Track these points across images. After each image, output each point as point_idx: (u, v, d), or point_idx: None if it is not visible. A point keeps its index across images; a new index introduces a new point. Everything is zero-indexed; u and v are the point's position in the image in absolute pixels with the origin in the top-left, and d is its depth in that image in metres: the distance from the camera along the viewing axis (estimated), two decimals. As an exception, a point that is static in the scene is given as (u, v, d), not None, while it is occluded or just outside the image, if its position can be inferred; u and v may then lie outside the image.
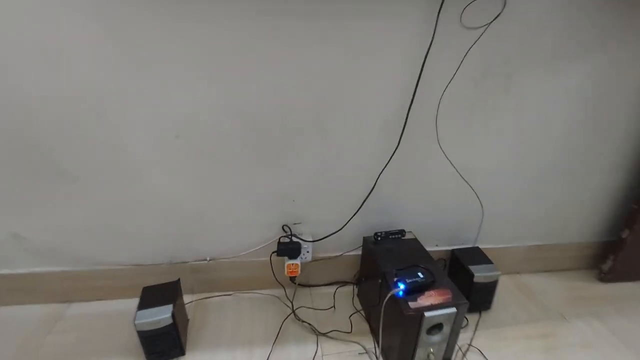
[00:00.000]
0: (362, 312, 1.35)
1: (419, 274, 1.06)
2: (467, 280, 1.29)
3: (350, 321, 1.30)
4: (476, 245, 1.48)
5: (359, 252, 1.40)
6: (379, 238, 1.28)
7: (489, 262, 1.34)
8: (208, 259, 1.32)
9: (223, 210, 1.25)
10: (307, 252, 1.35)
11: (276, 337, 1.21)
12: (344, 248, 1.42)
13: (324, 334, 1.24)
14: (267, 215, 1.29)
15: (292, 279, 1.35)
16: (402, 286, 1.01)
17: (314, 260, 1.40)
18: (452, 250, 1.43)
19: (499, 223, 1.46)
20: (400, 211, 1.37)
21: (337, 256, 1.42)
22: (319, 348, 1.19)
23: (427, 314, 0.96)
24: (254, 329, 1.25)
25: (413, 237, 1.32)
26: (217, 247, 1.32)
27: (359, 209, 1.30)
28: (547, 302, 1.42)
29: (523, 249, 1.54)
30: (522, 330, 1.28)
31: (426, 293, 1.02)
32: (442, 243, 1.47)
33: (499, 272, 1.29)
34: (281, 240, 1.30)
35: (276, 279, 1.35)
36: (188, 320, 1.24)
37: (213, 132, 1.09)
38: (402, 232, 1.31)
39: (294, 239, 1.30)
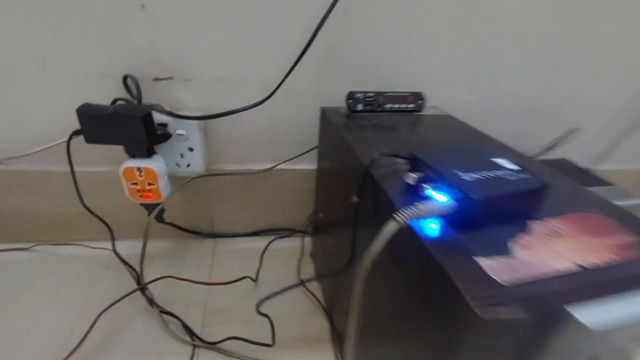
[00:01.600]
0: (322, 300, 0.59)
1: (497, 161, 0.30)
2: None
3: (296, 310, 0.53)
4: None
5: (315, 163, 0.63)
6: (359, 105, 0.50)
7: (604, 182, 0.59)
8: None
9: None
10: (191, 149, 0.57)
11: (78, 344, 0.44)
12: (283, 152, 0.64)
13: (211, 344, 0.48)
14: (81, 51, 0.50)
15: (150, 208, 0.56)
16: (443, 199, 0.26)
17: (214, 174, 0.63)
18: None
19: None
20: (411, 65, 0.59)
21: (267, 169, 0.65)
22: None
23: (578, 312, 0.20)
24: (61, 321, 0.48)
25: (443, 113, 0.55)
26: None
27: (308, 45, 0.51)
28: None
29: None
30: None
31: (538, 228, 0.26)
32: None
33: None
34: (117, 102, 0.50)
35: (91, 211, 0.56)
36: None
37: None
38: (417, 95, 0.53)
39: (151, 110, 0.50)
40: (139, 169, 0.51)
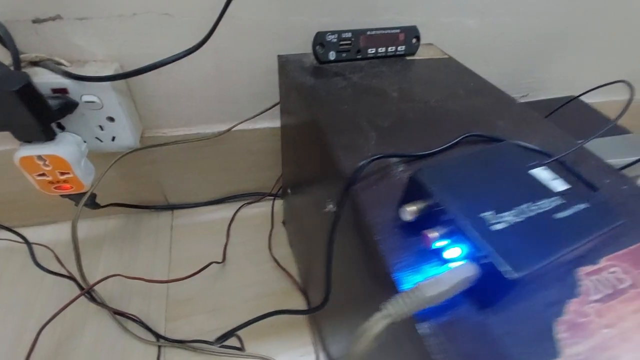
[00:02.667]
0: (297, 275, 0.53)
1: (537, 177, 0.19)
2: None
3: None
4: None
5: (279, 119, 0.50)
6: (330, 52, 0.36)
7: (621, 130, 0.51)
8: None
9: None
10: (111, 119, 0.43)
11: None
12: (238, 109, 0.51)
13: (176, 342, 0.43)
14: None
15: (75, 198, 0.44)
16: (459, 265, 0.16)
17: (152, 145, 0.50)
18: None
19: None
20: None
21: (221, 133, 0.52)
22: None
23: None
24: None
25: (441, 55, 0.42)
26: None
27: None
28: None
29: None
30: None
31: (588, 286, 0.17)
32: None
33: None
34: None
35: None
36: None
37: None
38: (408, 36, 0.39)
39: (49, 76, 0.35)
40: (40, 157, 0.38)
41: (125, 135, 0.45)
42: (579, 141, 0.27)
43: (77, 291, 0.44)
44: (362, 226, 0.21)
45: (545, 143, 0.28)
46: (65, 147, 0.39)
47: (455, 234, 0.17)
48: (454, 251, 0.18)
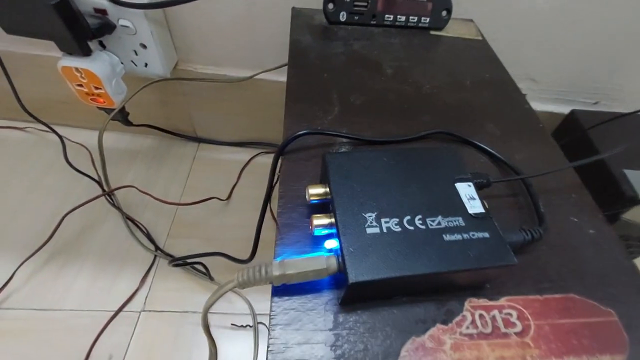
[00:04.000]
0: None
1: (459, 190, 0.17)
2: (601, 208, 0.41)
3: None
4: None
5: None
6: (342, 12, 0.34)
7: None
8: None
9: None
10: (143, 46, 0.46)
11: (49, 238, 0.47)
12: (265, 57, 0.51)
13: (169, 256, 0.49)
14: None
15: (110, 112, 0.50)
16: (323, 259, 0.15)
17: (181, 78, 0.53)
18: (573, 113, 0.50)
19: None
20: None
21: (245, 79, 0.53)
22: (144, 291, 0.47)
23: None
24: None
25: (475, 35, 0.37)
26: None
27: None
28: None
29: None
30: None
31: (469, 317, 0.16)
32: (543, 88, 0.52)
33: None
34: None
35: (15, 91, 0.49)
36: None
37: None
38: (437, 7, 0.35)
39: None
40: (77, 69, 0.43)
41: (155, 65, 0.48)
42: (567, 164, 0.23)
43: (100, 191, 0.52)
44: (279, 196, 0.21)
45: (525, 159, 0.24)
46: (98, 64, 0.43)
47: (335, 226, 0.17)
48: (332, 242, 0.17)
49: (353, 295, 0.16)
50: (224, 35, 0.49)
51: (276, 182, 0.25)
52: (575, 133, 0.48)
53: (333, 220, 0.17)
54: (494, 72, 0.32)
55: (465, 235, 0.16)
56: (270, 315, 0.16)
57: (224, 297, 0.44)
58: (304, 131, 0.23)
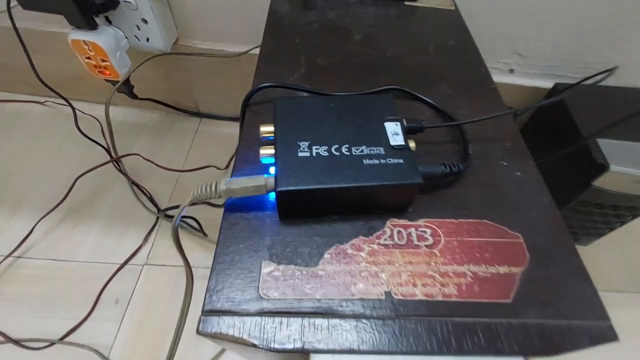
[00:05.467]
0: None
1: (387, 127, 0.20)
2: (575, 176, 0.43)
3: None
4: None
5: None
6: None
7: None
8: None
9: None
10: (145, 21, 0.50)
11: (63, 198, 0.53)
12: (259, 31, 0.54)
13: (170, 218, 0.54)
14: None
15: (116, 84, 0.54)
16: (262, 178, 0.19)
17: (179, 52, 0.57)
18: (556, 86, 0.51)
19: None
20: None
21: (242, 53, 0.56)
22: (147, 247, 0.51)
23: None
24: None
25: (447, 5, 0.39)
26: None
27: None
28: None
29: None
30: None
31: (388, 232, 0.19)
32: (529, 63, 0.54)
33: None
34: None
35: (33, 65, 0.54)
36: None
37: None
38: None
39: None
40: (85, 42, 0.47)
41: (156, 39, 0.52)
42: (496, 114, 0.26)
43: (108, 158, 0.57)
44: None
45: (469, 113, 0.27)
46: (103, 38, 0.47)
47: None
48: (274, 169, 0.21)
49: (286, 207, 0.19)
50: (221, 12, 0.53)
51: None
52: (557, 107, 0.49)
53: (275, 151, 0.20)
54: (459, 39, 0.34)
55: (382, 161, 0.19)
56: (221, 225, 0.20)
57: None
58: (267, 84, 0.26)
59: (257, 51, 0.55)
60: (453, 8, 0.38)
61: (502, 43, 0.51)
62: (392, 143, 0.20)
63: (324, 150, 0.19)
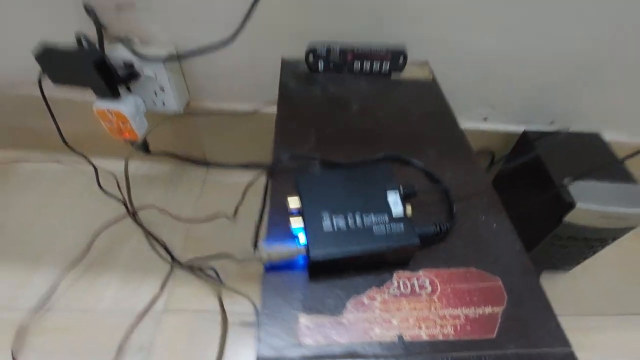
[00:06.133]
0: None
1: (388, 199, 0.26)
2: (547, 213, 0.49)
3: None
4: (591, 128, 0.60)
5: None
6: (320, 62, 0.44)
7: (618, 174, 0.49)
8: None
9: None
10: (163, 88, 0.56)
11: (85, 253, 0.56)
12: (268, 92, 0.61)
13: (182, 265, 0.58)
14: None
15: (133, 143, 0.60)
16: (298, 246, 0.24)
17: (192, 113, 0.63)
18: (525, 133, 0.58)
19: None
20: (406, 4, 0.47)
21: (250, 113, 0.63)
22: (164, 295, 0.55)
23: None
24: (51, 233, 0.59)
25: (427, 76, 0.46)
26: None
27: None
28: None
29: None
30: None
31: (395, 284, 0.24)
32: (498, 113, 0.61)
33: (649, 209, 0.46)
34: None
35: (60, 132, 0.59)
36: None
37: None
38: (395, 55, 0.44)
39: (122, 51, 0.49)
40: (109, 110, 0.53)
41: (171, 103, 0.58)
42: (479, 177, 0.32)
43: (125, 212, 0.61)
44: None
45: (453, 174, 0.33)
46: (126, 106, 0.53)
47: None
48: (302, 235, 0.26)
49: (315, 269, 0.24)
50: (229, 77, 0.59)
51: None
52: (526, 151, 0.57)
53: (303, 221, 0.26)
54: (437, 106, 0.41)
55: (387, 227, 0.24)
56: (262, 284, 0.25)
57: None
58: (286, 155, 0.31)
59: (264, 109, 0.62)
60: (431, 77, 0.45)
61: (476, 99, 0.59)
62: (393, 212, 0.25)
63: (342, 219, 0.25)
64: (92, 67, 0.47)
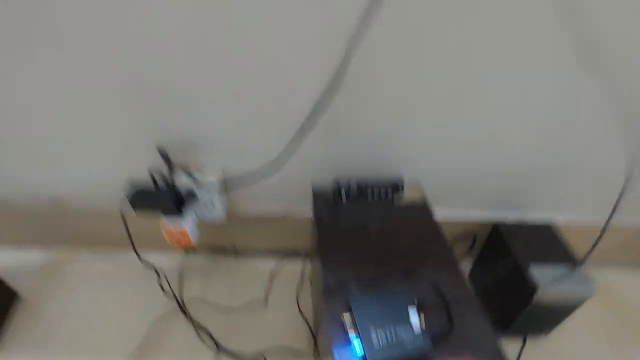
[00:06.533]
0: (311, 323, 0.75)
1: (410, 315, 0.41)
2: (519, 294, 0.64)
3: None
4: (545, 218, 0.77)
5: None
6: (343, 193, 0.60)
7: (569, 258, 0.65)
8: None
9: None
10: (213, 204, 0.71)
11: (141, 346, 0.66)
12: (292, 200, 0.77)
13: (228, 353, 0.68)
14: (114, 124, 0.63)
15: (186, 249, 0.74)
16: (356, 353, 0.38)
17: (232, 219, 0.77)
18: (495, 226, 0.74)
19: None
20: (400, 141, 0.65)
21: (278, 218, 0.78)
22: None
23: None
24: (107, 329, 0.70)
25: (419, 197, 0.63)
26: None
27: (308, 119, 0.60)
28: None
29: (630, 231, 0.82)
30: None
31: None
32: (474, 206, 0.78)
33: (592, 286, 0.62)
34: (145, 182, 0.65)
35: (134, 245, 0.74)
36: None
37: None
38: (395, 186, 0.61)
39: (184, 179, 0.65)
40: (174, 227, 0.67)
41: (218, 214, 0.73)
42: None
43: (174, 303, 0.72)
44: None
45: (443, 284, 0.48)
46: (187, 223, 0.67)
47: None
48: (356, 343, 0.39)
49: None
50: (263, 194, 0.75)
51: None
52: (497, 240, 0.73)
53: (356, 334, 0.39)
54: (428, 223, 0.57)
55: (412, 339, 0.38)
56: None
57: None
58: (333, 286, 0.46)
59: (290, 214, 0.77)
60: (423, 199, 0.62)
61: (454, 198, 0.77)
62: (414, 328, 0.40)
63: (382, 333, 0.39)
64: (169, 198, 0.62)
